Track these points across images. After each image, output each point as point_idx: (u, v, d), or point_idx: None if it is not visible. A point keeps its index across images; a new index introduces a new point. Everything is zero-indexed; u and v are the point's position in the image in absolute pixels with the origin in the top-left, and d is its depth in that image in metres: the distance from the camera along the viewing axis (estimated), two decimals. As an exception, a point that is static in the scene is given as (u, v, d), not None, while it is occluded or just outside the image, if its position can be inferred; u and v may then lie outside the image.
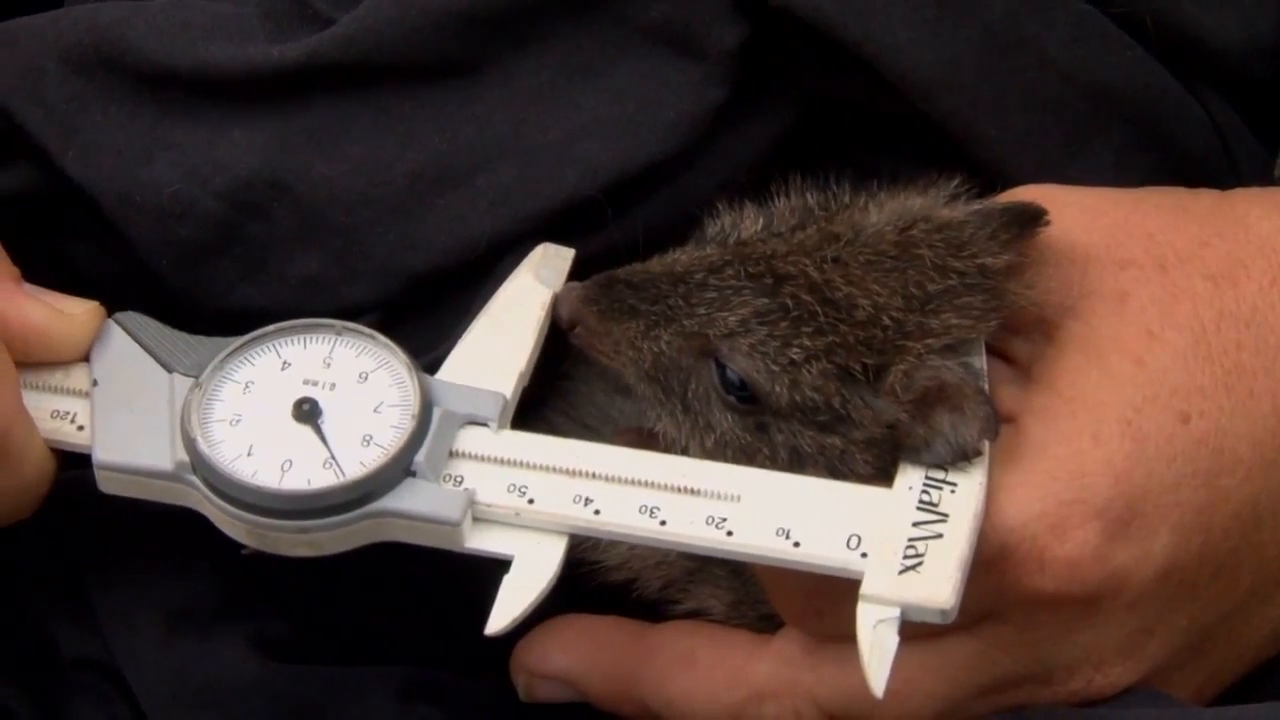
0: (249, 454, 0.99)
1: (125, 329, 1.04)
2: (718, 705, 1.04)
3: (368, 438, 0.98)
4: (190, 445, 0.98)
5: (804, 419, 0.99)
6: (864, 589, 0.91)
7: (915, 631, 0.96)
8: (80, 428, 1.02)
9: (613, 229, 1.10)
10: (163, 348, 1.03)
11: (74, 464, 1.07)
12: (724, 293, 1.00)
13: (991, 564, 0.97)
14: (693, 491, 0.95)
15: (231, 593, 1.08)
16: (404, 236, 1.10)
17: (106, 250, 1.12)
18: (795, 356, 0.98)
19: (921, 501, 0.93)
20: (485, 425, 1.00)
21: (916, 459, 0.97)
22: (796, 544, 0.94)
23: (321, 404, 1.00)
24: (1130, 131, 1.12)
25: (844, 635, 0.97)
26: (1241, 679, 1.07)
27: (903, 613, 0.92)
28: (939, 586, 0.92)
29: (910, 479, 0.94)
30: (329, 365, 1.02)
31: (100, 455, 1.00)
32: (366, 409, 1.00)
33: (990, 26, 1.09)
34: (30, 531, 1.11)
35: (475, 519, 0.97)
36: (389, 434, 0.98)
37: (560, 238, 1.11)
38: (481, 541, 0.97)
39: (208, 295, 1.12)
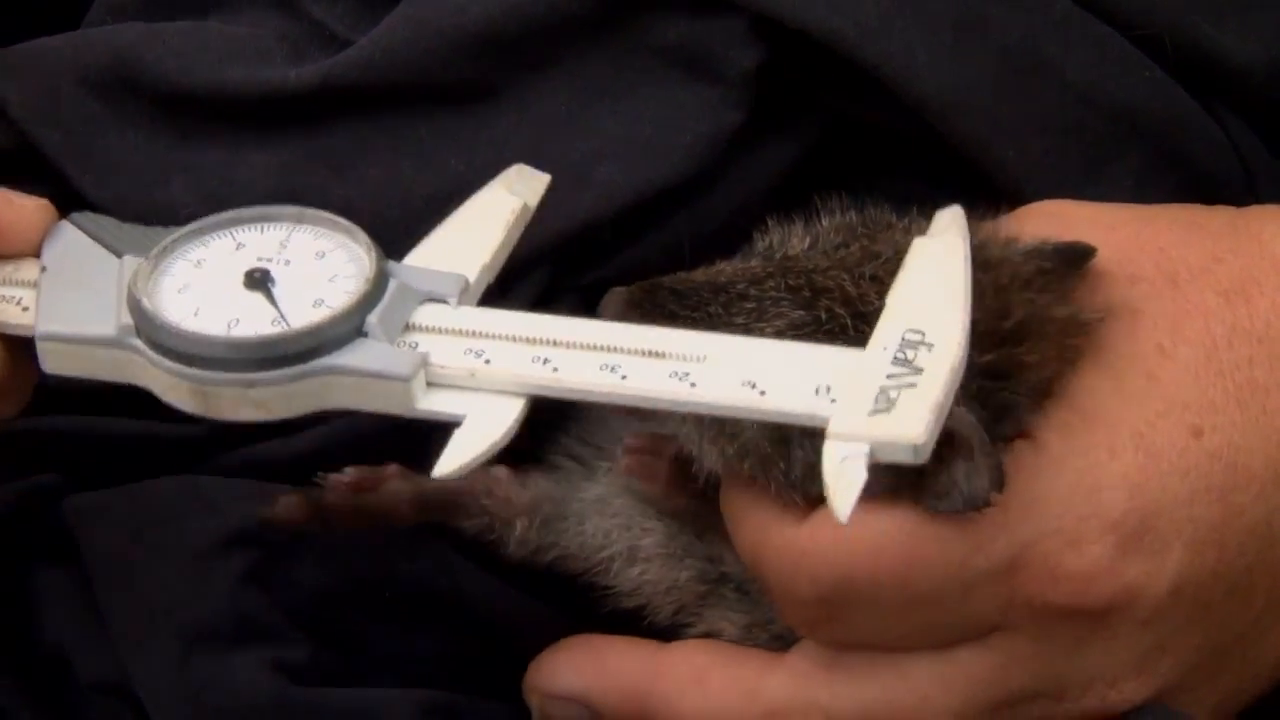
0: (195, 315, 0.98)
1: (78, 225, 1.04)
2: (732, 714, 1.04)
3: (319, 301, 0.97)
4: (135, 306, 0.98)
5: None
6: (831, 428, 0.90)
7: (928, 642, 0.99)
8: (25, 309, 1.01)
9: (628, 251, 1.12)
10: (116, 238, 1.02)
11: (89, 484, 1.10)
12: (763, 304, 1.01)
13: (1004, 575, 0.98)
14: (657, 355, 0.94)
15: (249, 615, 1.08)
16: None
17: None
18: None
19: (896, 358, 0.93)
20: (444, 303, 0.99)
21: (935, 505, 0.98)
22: (762, 393, 0.93)
23: (274, 275, 0.99)
24: (1149, 153, 1.13)
25: (859, 643, 1.00)
26: (1259, 701, 1.07)
27: (872, 450, 0.90)
28: (911, 424, 0.90)
29: (885, 338, 0.93)
30: (285, 246, 1.01)
31: (42, 327, 1.00)
32: (321, 279, 0.99)
33: (1008, 49, 1.09)
34: (47, 553, 1.13)
35: (429, 384, 0.96)
36: (341, 298, 0.98)
37: (576, 260, 1.12)
38: (433, 403, 0.95)
39: None
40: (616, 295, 1.02)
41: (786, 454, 1.00)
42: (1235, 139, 1.14)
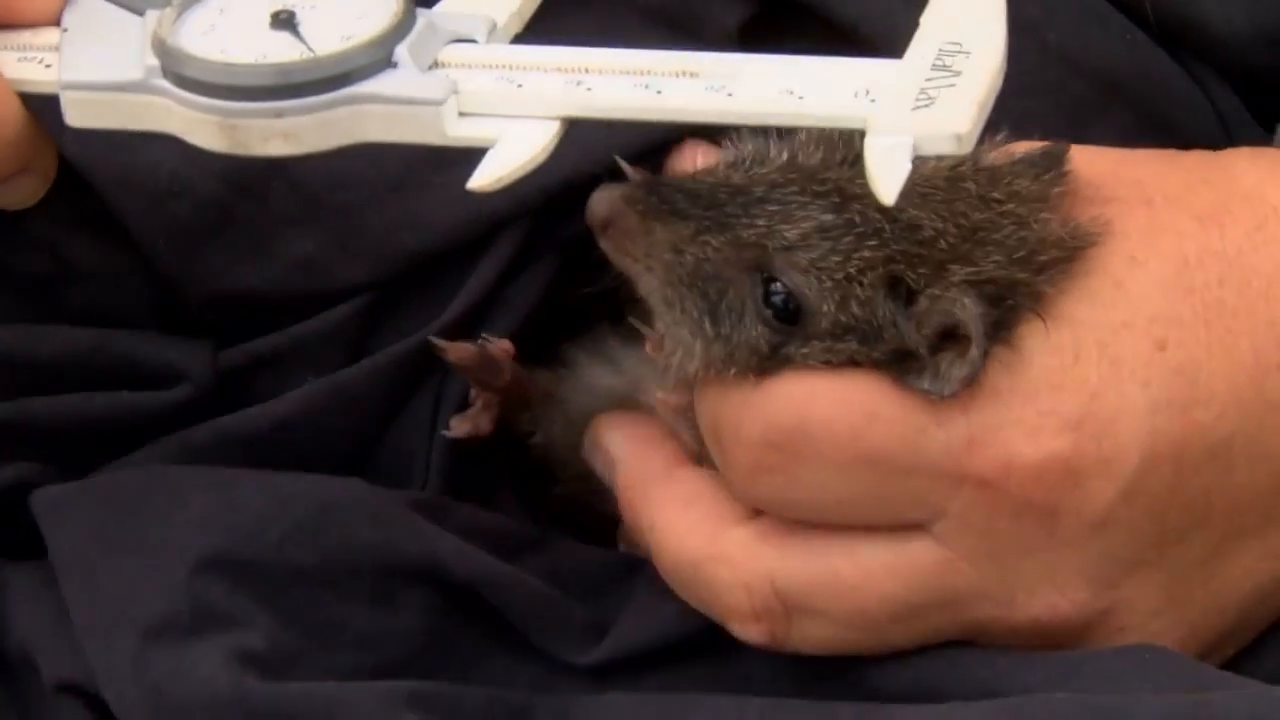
0: (222, 51, 0.97)
1: None
2: (685, 552, 1.05)
3: (347, 36, 0.97)
4: (160, 47, 0.97)
5: (832, 338, 1.01)
6: (872, 124, 0.91)
7: (869, 516, 1.00)
8: (48, 66, 1.01)
9: None
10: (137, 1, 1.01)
11: (65, 470, 1.14)
12: (788, 207, 1.01)
13: (959, 453, 0.98)
14: (692, 74, 0.94)
15: (208, 604, 1.08)
16: (401, 216, 1.12)
17: (99, 240, 1.16)
18: (853, 270, 1.00)
19: (935, 65, 0.94)
20: (472, 41, 0.99)
21: (905, 377, 1.00)
22: (801, 98, 0.93)
23: (300, 16, 0.99)
24: (1131, 115, 1.14)
25: (797, 503, 1.01)
26: (1235, 653, 1.07)
27: (915, 141, 0.91)
28: (954, 115, 0.91)
29: (923, 49, 0.93)
30: None
31: (66, 76, 0.99)
32: (349, 18, 0.98)
33: None
34: (16, 548, 1.14)
35: (461, 113, 0.96)
36: (370, 31, 0.97)
37: (558, 216, 1.13)
38: (466, 129, 0.95)
39: (203, 279, 1.15)
40: (610, 191, 1.02)
41: (775, 360, 1.02)
42: (1216, 101, 1.16)
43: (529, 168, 0.93)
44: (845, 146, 1.01)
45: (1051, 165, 1.04)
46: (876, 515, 1.01)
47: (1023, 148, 1.05)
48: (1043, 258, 1.01)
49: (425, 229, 1.13)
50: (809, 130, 1.02)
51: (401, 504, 1.12)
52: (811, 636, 1.04)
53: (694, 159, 1.09)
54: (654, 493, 1.08)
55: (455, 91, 0.95)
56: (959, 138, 0.90)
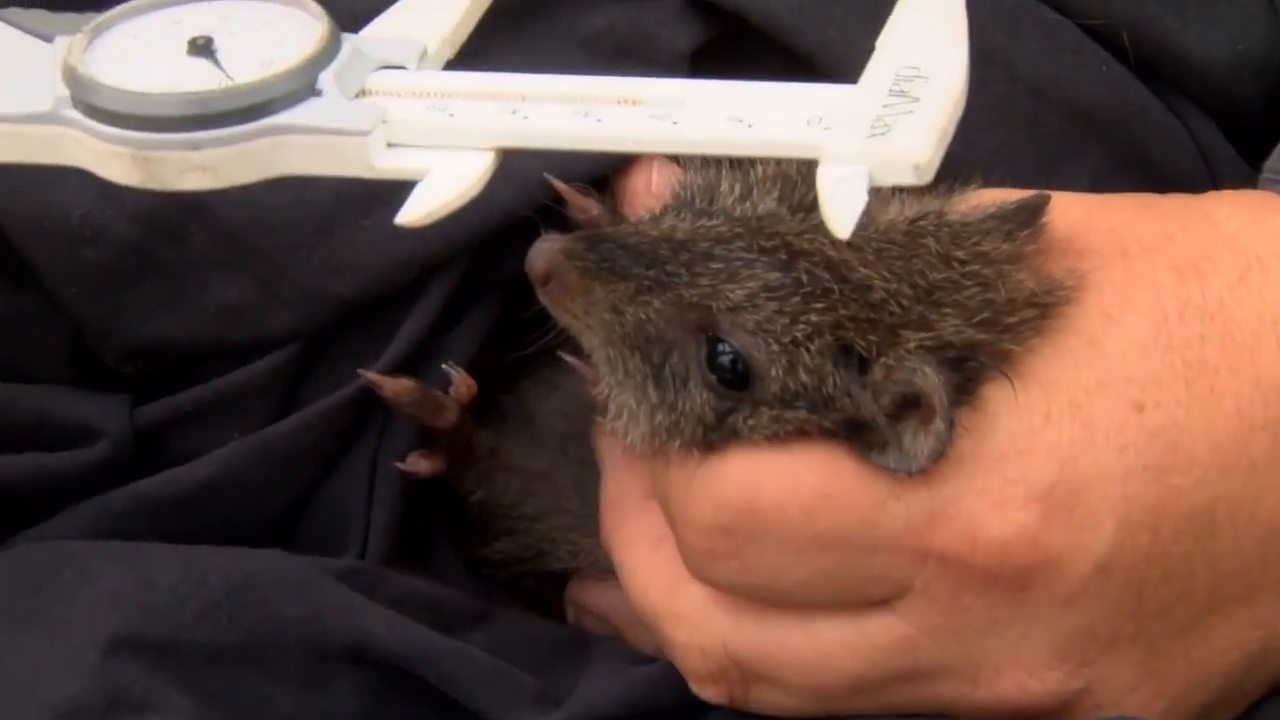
0: (136, 80, 0.92)
1: (4, 19, 0.98)
2: (646, 600, 1.03)
3: (268, 63, 0.91)
4: (71, 76, 0.92)
5: (781, 404, 0.98)
6: (825, 154, 0.87)
7: (830, 597, 0.97)
8: None
9: None
10: (44, 25, 0.96)
11: None
12: (732, 264, 0.98)
13: (921, 529, 0.95)
14: (633, 102, 0.89)
15: (121, 687, 1.03)
16: (330, 259, 1.09)
17: (7, 286, 1.13)
18: (799, 334, 0.96)
19: (892, 90, 0.89)
20: (402, 68, 0.94)
21: (867, 454, 0.96)
22: (750, 126, 0.88)
23: (218, 42, 0.93)
24: (1106, 152, 1.12)
25: (755, 587, 0.98)
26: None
27: (871, 171, 0.86)
28: (912, 144, 0.86)
29: (878, 75, 0.89)
30: (227, 19, 0.95)
31: None
32: (269, 44, 0.93)
33: None
34: None
35: (390, 144, 0.91)
36: (292, 58, 0.92)
37: (494, 257, 1.10)
38: (394, 161, 0.90)
39: (119, 328, 1.11)
40: (550, 245, 0.99)
41: (723, 428, 0.99)
42: (1197, 135, 1.13)
43: (461, 201, 0.89)
44: (804, 184, 0.99)
45: (1026, 221, 1.01)
46: (837, 595, 0.98)
47: (995, 195, 1.02)
48: (1011, 319, 0.98)
49: (355, 273, 1.09)
50: (766, 166, 1.00)
51: (328, 575, 1.07)
52: (770, 702, 1.02)
53: (648, 179, 1.07)
54: (626, 525, 1.06)
55: (383, 121, 0.91)
56: (917, 167, 0.86)
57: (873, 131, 0.87)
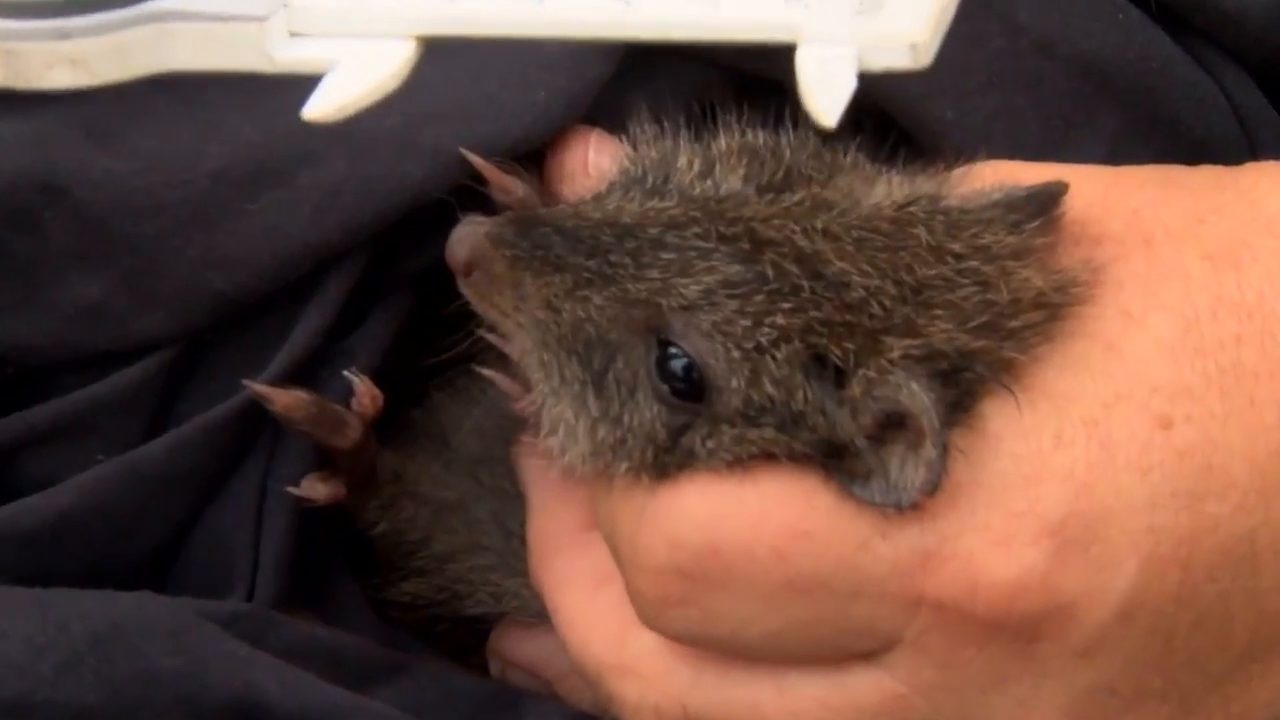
0: None
1: None
2: (589, 652, 0.99)
3: None
4: None
5: (745, 421, 0.94)
6: (806, 34, 0.83)
7: (805, 652, 0.94)
8: None
9: None
10: None
11: None
12: (686, 255, 0.93)
13: (911, 572, 0.91)
14: None
15: None
16: (208, 251, 1.05)
17: None
18: (764, 339, 0.92)
19: None
20: None
21: (847, 484, 0.92)
22: (716, 4, 0.83)
23: None
24: (1126, 115, 1.06)
25: (716, 640, 0.94)
26: None
27: (860, 52, 0.82)
28: (907, 22, 0.82)
29: None
30: None
31: None
32: None
33: None
34: None
35: (291, 33, 0.85)
36: None
37: (403, 246, 1.06)
38: (297, 52, 0.85)
39: None
40: (473, 229, 0.95)
41: (679, 447, 0.94)
42: (1232, 95, 1.09)
43: (378, 95, 0.83)
44: (774, 161, 0.95)
45: (1036, 213, 0.96)
46: (814, 648, 0.94)
47: (999, 170, 0.97)
48: (1014, 323, 0.93)
49: (237, 267, 1.04)
50: (730, 139, 0.96)
51: (210, 621, 1.02)
52: None
53: (584, 156, 1.04)
54: (560, 563, 1.02)
55: (284, 4, 0.86)
56: (914, 48, 0.81)
57: (861, 7, 0.83)
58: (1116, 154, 1.05)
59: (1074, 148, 1.05)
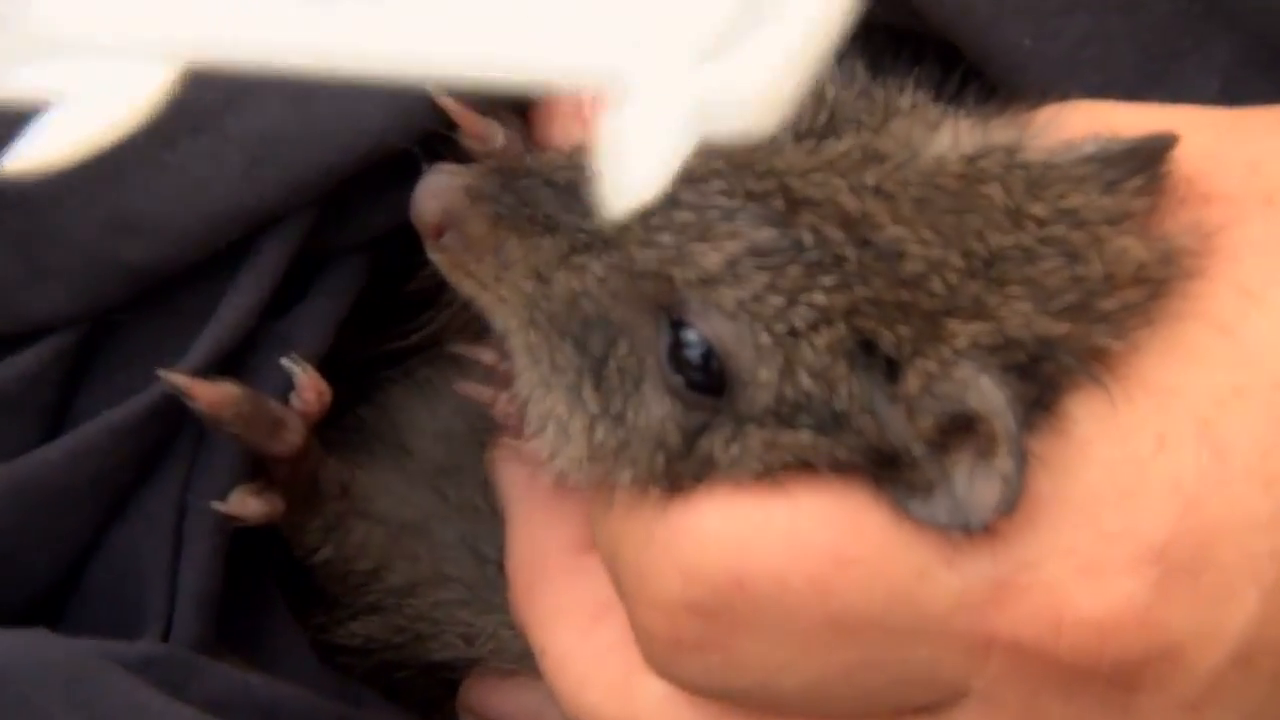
0: None
1: None
2: (583, 703, 0.91)
3: None
4: None
5: (776, 421, 0.86)
6: (630, 80, 0.72)
7: (865, 715, 0.89)
8: None
9: None
10: None
11: None
12: (706, 215, 0.85)
13: (981, 607, 0.84)
14: None
15: None
16: (116, 213, 0.98)
17: None
18: (800, 321, 0.84)
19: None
20: None
21: (904, 500, 0.84)
22: (516, 41, 0.72)
23: None
24: (1244, 42, 0.97)
25: (741, 691, 0.88)
26: None
27: (694, 113, 0.72)
28: (752, 72, 0.71)
29: None
30: None
31: None
32: None
33: None
34: None
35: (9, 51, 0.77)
36: None
37: (355, 206, 0.99)
38: (15, 79, 0.75)
39: None
40: (447, 179, 0.88)
41: (696, 452, 0.87)
42: None
43: (113, 135, 0.71)
44: (815, 102, 0.87)
45: (1138, 169, 0.88)
46: (862, 702, 0.88)
47: (1090, 112, 0.90)
48: (1108, 303, 0.86)
49: (152, 233, 0.97)
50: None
51: (116, 666, 0.95)
52: None
53: (575, 97, 0.97)
54: (549, 594, 0.95)
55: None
56: (752, 106, 0.71)
57: (701, 53, 0.73)
58: (1231, 91, 0.96)
59: (1179, 82, 0.96)
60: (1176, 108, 0.92)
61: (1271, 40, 0.99)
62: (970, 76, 0.96)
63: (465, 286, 0.91)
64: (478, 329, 0.94)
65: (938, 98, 0.92)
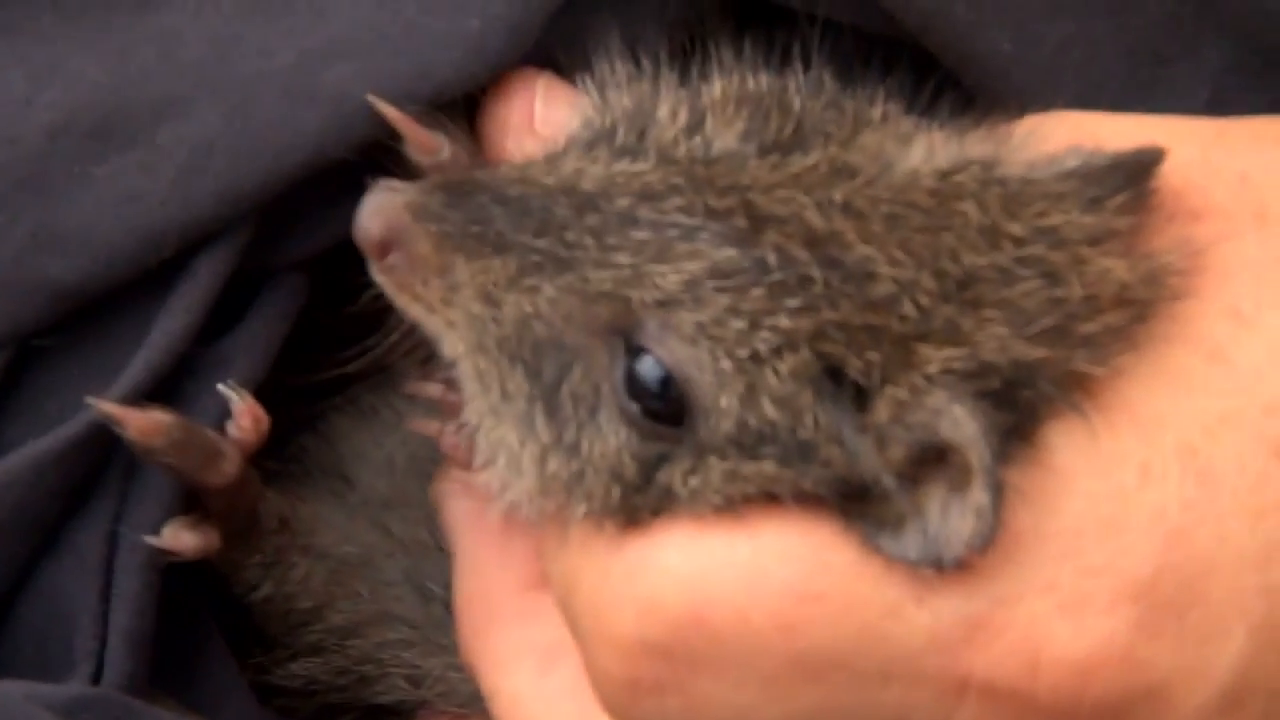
0: None
1: None
2: None
3: None
4: None
5: (739, 451, 0.84)
6: None
7: None
8: None
9: None
10: None
11: None
12: (664, 234, 0.82)
13: (955, 647, 0.82)
14: None
15: None
16: (41, 228, 0.95)
17: None
18: (763, 346, 0.82)
19: None
20: None
21: (873, 535, 0.82)
22: None
23: None
24: (1234, 48, 0.95)
25: None
26: None
27: None
28: None
29: None
30: None
31: None
32: None
33: None
34: None
35: None
36: None
37: (294, 222, 0.95)
38: None
39: None
40: (391, 197, 0.85)
41: (655, 486, 0.84)
42: None
43: None
44: (781, 113, 0.85)
45: (1122, 185, 0.86)
46: None
47: (1076, 120, 0.88)
48: (1089, 326, 0.84)
49: (79, 249, 0.94)
50: (726, 85, 0.86)
51: (44, 710, 0.92)
52: None
53: (529, 107, 0.95)
54: (499, 635, 0.92)
55: None
56: None
57: None
58: (1221, 99, 0.95)
59: (1167, 91, 0.94)
60: (1162, 118, 0.90)
61: (1265, 45, 0.97)
62: (945, 85, 0.94)
63: (412, 310, 0.88)
64: (426, 354, 0.91)
65: (911, 108, 0.90)
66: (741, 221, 0.83)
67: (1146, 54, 0.95)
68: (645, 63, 0.90)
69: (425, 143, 0.93)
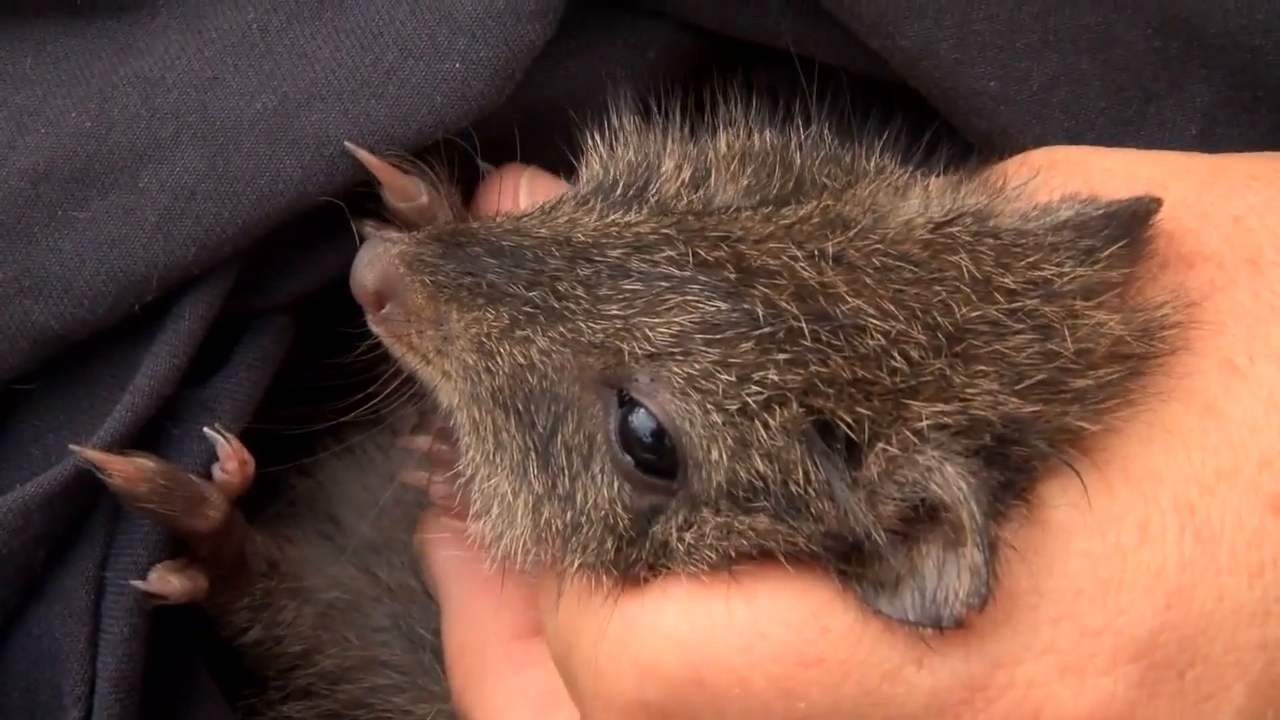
0: None
1: None
2: None
3: None
4: None
5: (732, 505, 0.83)
6: None
7: None
8: None
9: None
10: None
11: None
12: (654, 285, 0.83)
13: (955, 711, 0.81)
14: None
15: None
16: (23, 273, 0.95)
17: None
18: (752, 400, 0.81)
19: None
20: None
21: (870, 596, 0.81)
22: None
23: None
24: (1223, 85, 0.95)
25: None
26: None
27: None
28: None
29: None
30: None
31: None
32: None
33: None
34: None
35: None
36: None
37: (280, 265, 0.95)
38: None
39: None
40: (385, 249, 0.85)
41: (649, 539, 0.83)
42: None
43: None
44: (783, 169, 0.85)
45: (1117, 236, 0.85)
46: None
47: (1064, 156, 0.86)
48: (1083, 381, 0.83)
49: (62, 294, 0.94)
50: (732, 140, 0.86)
51: None
52: None
53: (511, 200, 0.94)
54: (492, 684, 0.92)
55: None
56: None
57: None
58: (1211, 134, 0.95)
59: (1156, 126, 0.94)
60: (1158, 154, 0.89)
61: (1253, 80, 0.96)
62: (943, 133, 0.91)
63: (408, 360, 0.88)
64: (420, 403, 0.91)
65: (908, 158, 0.88)
66: (731, 273, 0.83)
67: (1134, 90, 0.95)
68: (655, 114, 0.90)
69: (403, 189, 0.93)
